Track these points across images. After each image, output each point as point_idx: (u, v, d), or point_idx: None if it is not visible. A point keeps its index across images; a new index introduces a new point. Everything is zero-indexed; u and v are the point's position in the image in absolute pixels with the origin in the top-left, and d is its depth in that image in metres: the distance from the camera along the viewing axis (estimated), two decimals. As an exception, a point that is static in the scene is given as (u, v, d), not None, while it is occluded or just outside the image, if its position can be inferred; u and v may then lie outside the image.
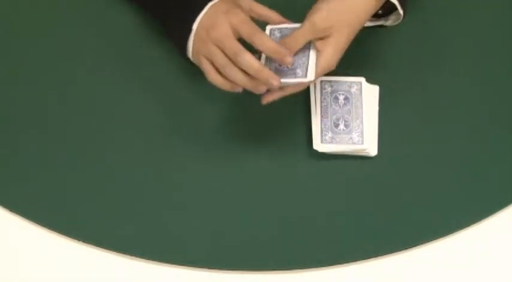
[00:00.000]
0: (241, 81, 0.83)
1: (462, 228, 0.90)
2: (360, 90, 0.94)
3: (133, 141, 0.94)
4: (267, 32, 0.87)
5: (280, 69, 0.84)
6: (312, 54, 0.85)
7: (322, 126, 0.92)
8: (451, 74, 0.98)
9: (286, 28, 0.87)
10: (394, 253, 0.89)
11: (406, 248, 0.90)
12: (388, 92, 0.96)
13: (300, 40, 0.83)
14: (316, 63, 0.84)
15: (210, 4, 0.85)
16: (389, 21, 0.93)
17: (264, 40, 0.82)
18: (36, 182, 0.92)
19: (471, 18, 1.01)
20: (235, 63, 0.83)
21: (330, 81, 0.94)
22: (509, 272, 0.89)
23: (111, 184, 0.92)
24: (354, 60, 0.95)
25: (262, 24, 0.86)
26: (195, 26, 0.85)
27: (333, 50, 0.84)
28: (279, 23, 0.87)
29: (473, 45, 0.99)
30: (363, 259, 0.89)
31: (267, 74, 0.81)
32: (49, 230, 0.90)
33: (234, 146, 0.94)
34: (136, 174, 0.92)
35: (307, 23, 0.83)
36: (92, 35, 0.99)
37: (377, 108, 0.95)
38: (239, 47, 0.82)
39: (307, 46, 0.85)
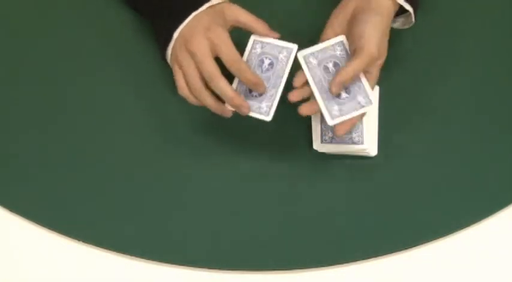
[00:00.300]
0: (210, 105, 0.85)
1: (462, 228, 0.90)
2: (360, 90, 0.94)
3: (134, 141, 0.94)
4: (250, 42, 0.87)
5: (340, 102, 0.84)
6: (363, 78, 0.85)
7: (322, 126, 0.92)
8: (451, 74, 0.98)
9: (270, 44, 0.86)
10: (394, 253, 0.89)
11: (406, 248, 0.90)
12: (388, 92, 0.96)
13: (360, 71, 0.84)
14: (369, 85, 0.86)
15: (193, 14, 0.85)
16: (397, 24, 0.93)
17: (243, 70, 0.82)
18: (36, 182, 0.92)
19: (471, 18, 1.01)
20: (208, 83, 0.83)
21: (330, 81, 0.94)
22: (509, 272, 0.89)
23: (111, 184, 0.92)
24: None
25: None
26: (175, 35, 0.85)
27: (377, 71, 0.86)
28: (264, 35, 0.86)
29: (473, 46, 0.99)
30: (363, 259, 0.89)
31: (238, 102, 0.83)
32: (49, 230, 0.90)
33: (234, 146, 0.94)
34: (137, 174, 0.92)
35: (365, 56, 0.82)
36: (92, 35, 0.99)
37: (377, 108, 0.95)
38: (215, 72, 0.82)
39: None
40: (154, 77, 0.97)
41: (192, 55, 0.83)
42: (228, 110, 0.85)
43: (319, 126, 0.92)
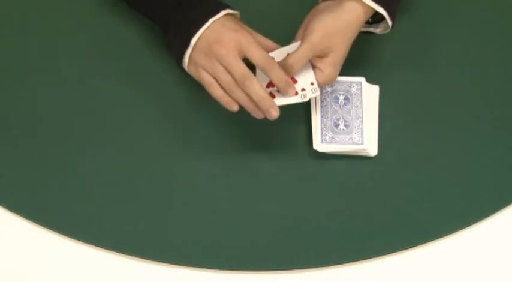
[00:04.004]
0: (244, 102, 0.84)
1: (462, 228, 0.91)
2: (360, 90, 0.94)
3: (134, 142, 0.94)
4: None
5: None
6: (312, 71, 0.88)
7: (322, 126, 0.92)
8: (451, 74, 0.98)
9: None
10: (394, 253, 0.89)
11: (406, 248, 0.90)
12: (388, 92, 0.96)
13: (300, 62, 0.85)
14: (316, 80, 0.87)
15: (211, 20, 0.85)
16: (379, 29, 0.93)
17: (276, 68, 0.83)
18: (36, 182, 0.92)
19: (471, 18, 1.01)
20: (240, 85, 0.83)
21: (330, 81, 0.94)
22: (509, 272, 0.89)
23: (111, 184, 0.92)
24: (354, 60, 0.95)
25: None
26: (193, 41, 0.85)
27: (332, 68, 0.87)
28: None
29: (473, 45, 0.99)
30: (363, 259, 0.89)
31: (269, 103, 0.83)
32: (49, 230, 0.90)
33: (234, 146, 0.94)
34: (137, 174, 0.92)
35: (306, 45, 0.85)
36: (97, 38, 0.99)
37: (377, 108, 0.95)
38: (248, 71, 0.83)
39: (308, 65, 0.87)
40: (153, 77, 0.97)
41: (220, 58, 0.83)
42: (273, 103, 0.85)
43: (319, 126, 0.92)
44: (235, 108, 0.85)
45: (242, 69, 0.83)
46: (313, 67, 0.87)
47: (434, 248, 0.90)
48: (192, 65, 0.86)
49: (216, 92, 0.85)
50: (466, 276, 0.89)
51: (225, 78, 0.84)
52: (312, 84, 0.86)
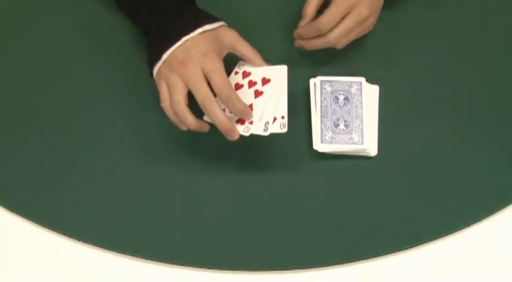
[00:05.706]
0: (190, 123, 0.85)
1: (462, 228, 0.91)
2: (360, 90, 0.94)
3: (134, 142, 0.94)
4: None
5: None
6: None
7: (322, 126, 0.92)
8: (451, 74, 0.98)
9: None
10: (394, 253, 0.89)
11: (406, 248, 0.90)
12: (388, 92, 0.96)
13: (332, 20, 0.87)
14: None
15: (184, 38, 0.85)
16: None
17: (232, 98, 0.83)
18: (36, 182, 0.92)
19: (471, 17, 1.01)
20: (200, 107, 0.84)
21: (330, 81, 0.94)
22: (509, 272, 0.89)
23: (111, 185, 0.92)
24: (354, 60, 0.96)
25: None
26: (164, 57, 0.86)
27: (366, 10, 0.88)
28: (256, 65, 0.88)
29: (474, 45, 0.99)
30: (363, 259, 0.89)
31: (228, 126, 0.84)
32: (49, 230, 0.90)
33: (234, 146, 0.94)
34: (138, 175, 0.92)
35: (333, 5, 0.86)
36: (92, 37, 0.99)
37: (377, 108, 0.95)
38: (209, 94, 0.83)
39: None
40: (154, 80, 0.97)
41: (185, 78, 0.84)
42: (207, 125, 0.86)
43: (319, 126, 0.93)
44: (180, 126, 0.87)
45: (204, 91, 0.83)
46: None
47: (434, 248, 0.90)
48: (158, 75, 0.88)
49: (166, 105, 0.86)
50: (466, 276, 0.89)
51: (177, 96, 0.85)
52: (283, 117, 0.86)
